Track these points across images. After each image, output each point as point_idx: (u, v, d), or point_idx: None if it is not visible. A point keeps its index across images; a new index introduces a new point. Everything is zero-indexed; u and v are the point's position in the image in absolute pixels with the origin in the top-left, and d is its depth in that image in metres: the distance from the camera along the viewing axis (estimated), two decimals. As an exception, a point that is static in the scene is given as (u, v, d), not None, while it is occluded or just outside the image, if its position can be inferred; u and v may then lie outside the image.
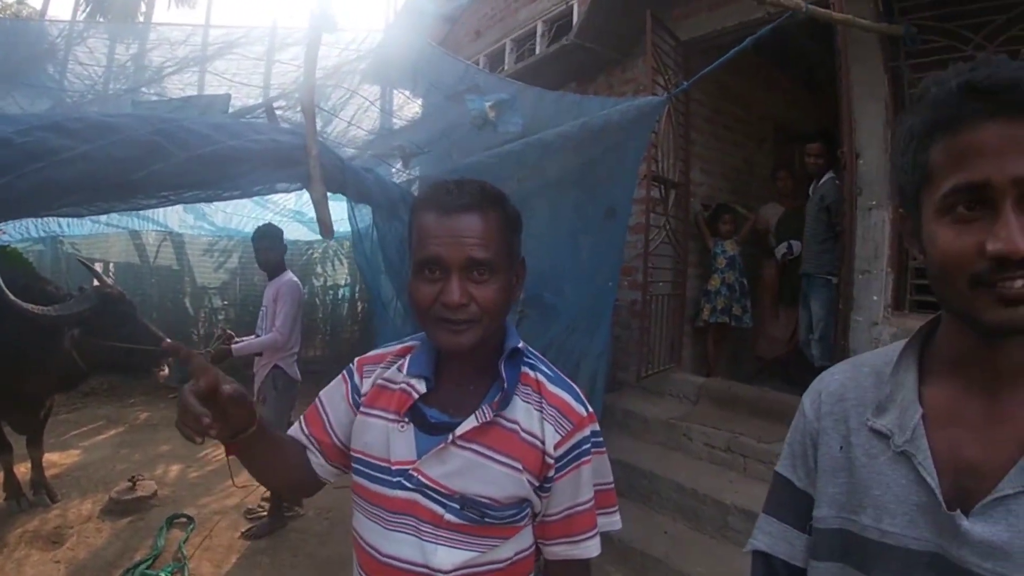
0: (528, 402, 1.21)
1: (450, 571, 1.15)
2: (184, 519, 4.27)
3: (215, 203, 6.56)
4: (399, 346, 1.34)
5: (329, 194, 2.02)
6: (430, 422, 1.21)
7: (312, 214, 7.25)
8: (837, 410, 0.96)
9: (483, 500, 1.16)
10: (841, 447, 0.93)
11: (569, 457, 1.19)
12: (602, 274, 3.90)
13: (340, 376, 1.36)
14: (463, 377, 1.24)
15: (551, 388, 1.23)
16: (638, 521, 3.96)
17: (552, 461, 1.18)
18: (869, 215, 4.18)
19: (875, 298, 4.16)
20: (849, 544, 0.90)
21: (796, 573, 0.98)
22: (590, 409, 1.24)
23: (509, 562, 1.20)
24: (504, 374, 1.20)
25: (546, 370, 1.26)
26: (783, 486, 1.02)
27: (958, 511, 0.80)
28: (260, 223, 7.15)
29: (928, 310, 4.10)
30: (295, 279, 4.40)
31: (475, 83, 2.94)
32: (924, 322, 0.97)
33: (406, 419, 1.21)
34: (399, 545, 1.18)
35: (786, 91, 6.92)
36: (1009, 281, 0.74)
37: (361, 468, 1.25)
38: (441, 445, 1.17)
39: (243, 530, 4.15)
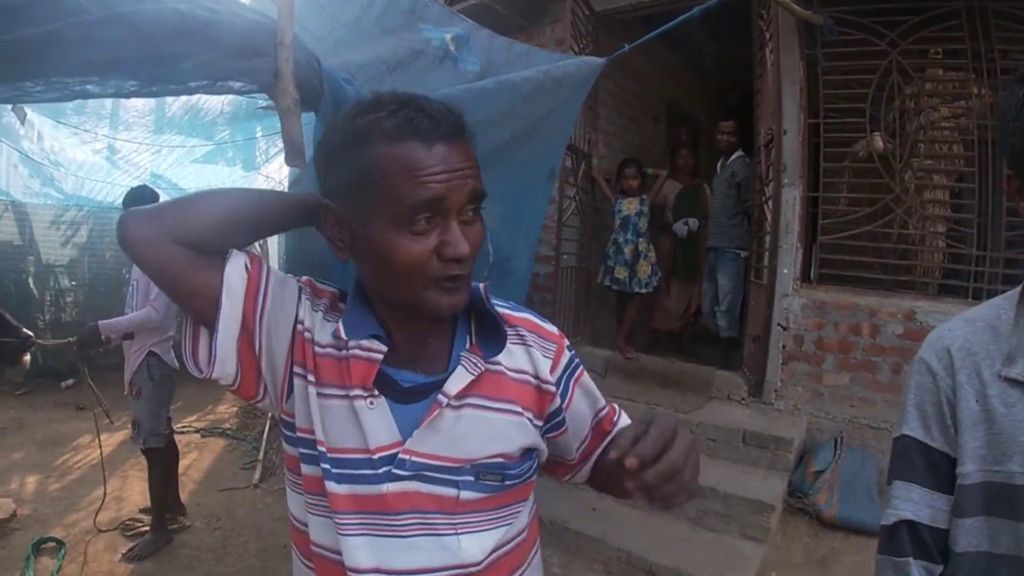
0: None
1: (482, 560, 0.93)
2: (53, 543, 3.43)
3: (63, 166, 5.45)
4: (327, 292, 1.02)
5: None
6: (403, 387, 0.94)
7: (176, 180, 6.15)
8: (968, 364, 0.94)
9: (498, 460, 0.95)
10: (977, 400, 0.92)
11: (566, 375, 1.04)
12: (532, 240, 3.59)
13: (293, 280, 1.02)
14: (418, 328, 0.96)
15: (519, 315, 1.04)
16: (565, 499, 3.68)
17: (552, 388, 1.01)
18: (782, 193, 4.16)
19: (785, 271, 4.17)
20: (993, 495, 0.89)
21: (939, 535, 0.95)
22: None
23: (527, 528, 1.03)
24: (495, 312, 0.97)
25: (501, 302, 1.04)
26: (917, 449, 0.98)
27: None
28: (117, 188, 6.14)
29: (832, 283, 4.17)
30: None
31: (428, 11, 2.48)
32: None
33: (375, 391, 0.92)
34: (416, 553, 0.91)
35: (677, 73, 6.85)
36: None
37: (331, 469, 0.91)
38: (435, 412, 0.91)
39: (124, 551, 3.39)
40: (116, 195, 6.19)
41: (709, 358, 5.02)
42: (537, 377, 1.00)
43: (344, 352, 0.94)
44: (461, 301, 0.91)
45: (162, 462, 3.53)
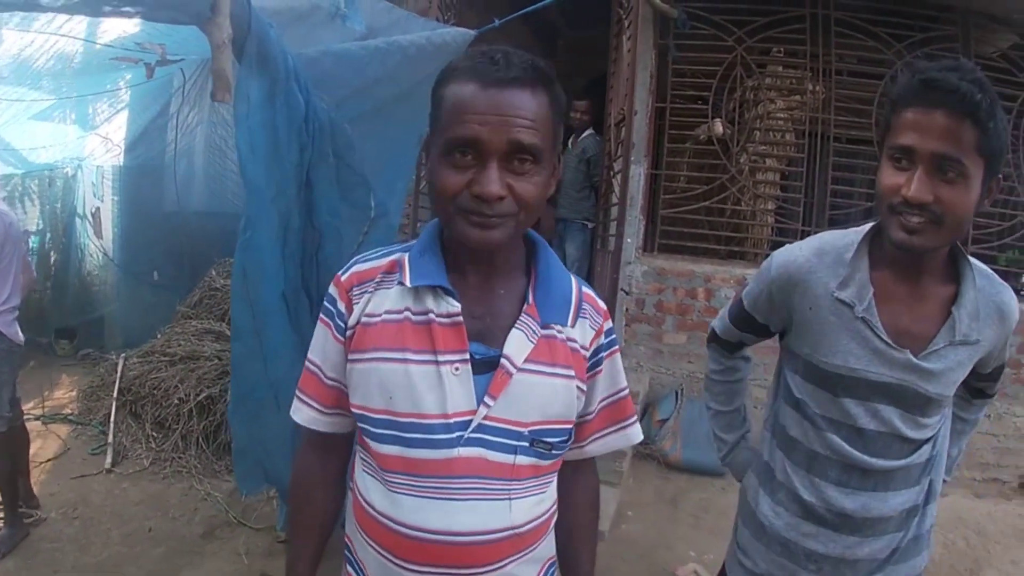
0: None
1: (522, 525, 0.96)
2: None
3: None
4: (386, 259, 1.02)
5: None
6: (475, 359, 0.94)
7: (9, 138, 5.32)
8: (804, 280, 1.21)
9: (549, 428, 0.96)
10: (810, 307, 1.20)
11: (603, 348, 1.05)
12: (400, 201, 3.53)
13: (319, 319, 1.05)
14: (490, 281, 0.99)
15: (585, 290, 1.06)
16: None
17: (587, 356, 1.03)
18: (630, 168, 4.42)
19: (629, 240, 4.40)
20: (820, 374, 1.21)
21: (730, 343, 1.47)
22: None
23: (554, 503, 1.04)
24: (548, 276, 1.00)
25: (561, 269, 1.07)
26: (737, 304, 1.41)
27: (907, 351, 1.13)
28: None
29: (671, 252, 4.52)
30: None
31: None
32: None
33: (467, 356, 0.93)
34: (471, 515, 0.92)
35: (533, 54, 6.92)
36: (907, 217, 1.03)
37: (393, 434, 0.94)
38: (502, 381, 0.93)
39: (-21, 552, 2.88)
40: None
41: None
42: (584, 347, 1.02)
43: (424, 316, 0.94)
44: (493, 238, 0.90)
45: (8, 448, 3.05)
